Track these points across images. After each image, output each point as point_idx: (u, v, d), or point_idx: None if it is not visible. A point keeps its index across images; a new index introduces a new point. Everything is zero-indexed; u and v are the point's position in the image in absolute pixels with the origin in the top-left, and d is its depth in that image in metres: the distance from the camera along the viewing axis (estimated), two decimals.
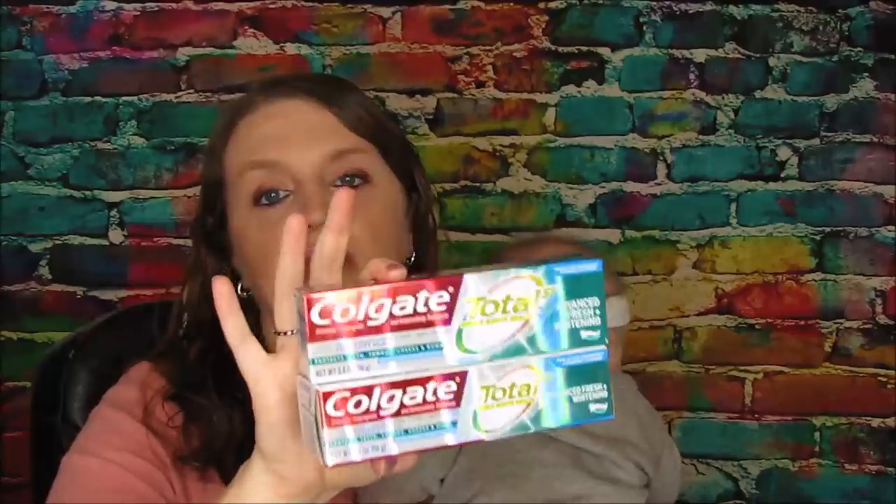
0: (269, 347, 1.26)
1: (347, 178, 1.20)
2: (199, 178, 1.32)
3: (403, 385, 0.82)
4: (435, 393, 0.82)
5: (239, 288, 1.26)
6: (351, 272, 1.17)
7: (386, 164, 1.24)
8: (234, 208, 1.24)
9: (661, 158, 2.31)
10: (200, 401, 1.21)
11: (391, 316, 0.82)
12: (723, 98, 2.30)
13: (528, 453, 1.15)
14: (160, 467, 1.19)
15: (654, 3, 2.29)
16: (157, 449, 1.20)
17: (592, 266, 0.87)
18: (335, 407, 0.81)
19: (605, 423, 1.16)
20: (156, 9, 2.27)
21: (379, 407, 0.82)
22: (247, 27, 2.28)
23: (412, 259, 1.29)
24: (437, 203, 1.37)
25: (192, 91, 2.27)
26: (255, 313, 1.26)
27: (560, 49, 2.30)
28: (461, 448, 1.16)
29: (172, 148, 2.28)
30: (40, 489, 1.40)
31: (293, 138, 1.20)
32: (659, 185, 2.31)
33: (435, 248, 1.32)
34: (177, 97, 2.28)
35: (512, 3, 2.29)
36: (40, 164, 2.27)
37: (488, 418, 0.83)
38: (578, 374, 0.85)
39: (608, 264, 1.26)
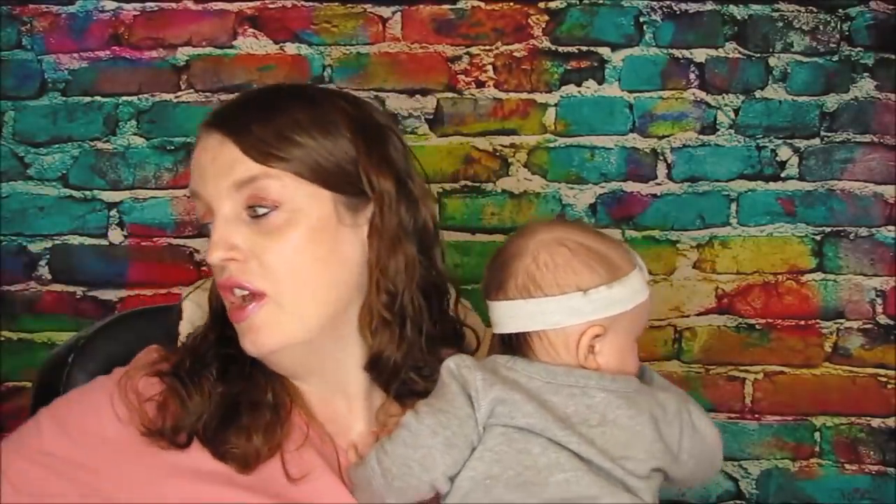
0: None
1: (256, 209, 1.24)
2: None
3: None
4: None
5: None
6: (267, 308, 1.23)
7: (312, 182, 1.25)
8: None
9: (661, 158, 2.31)
10: (184, 381, 1.26)
11: None
12: (723, 98, 2.30)
13: (546, 457, 1.14)
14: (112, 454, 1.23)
15: (654, 3, 2.29)
16: (127, 427, 1.24)
17: None
18: None
19: (614, 439, 1.15)
20: (155, 9, 2.27)
21: None
22: (246, 27, 2.28)
23: (377, 271, 1.28)
24: (434, 202, 1.36)
25: (191, 91, 2.28)
26: None
27: (560, 49, 2.30)
28: (472, 450, 1.16)
29: (172, 148, 2.28)
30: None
31: (206, 172, 1.26)
32: (659, 185, 2.31)
33: (392, 254, 1.30)
34: (176, 97, 2.28)
35: (512, 3, 2.29)
36: (40, 164, 2.27)
37: None
38: None
39: (608, 242, 1.25)
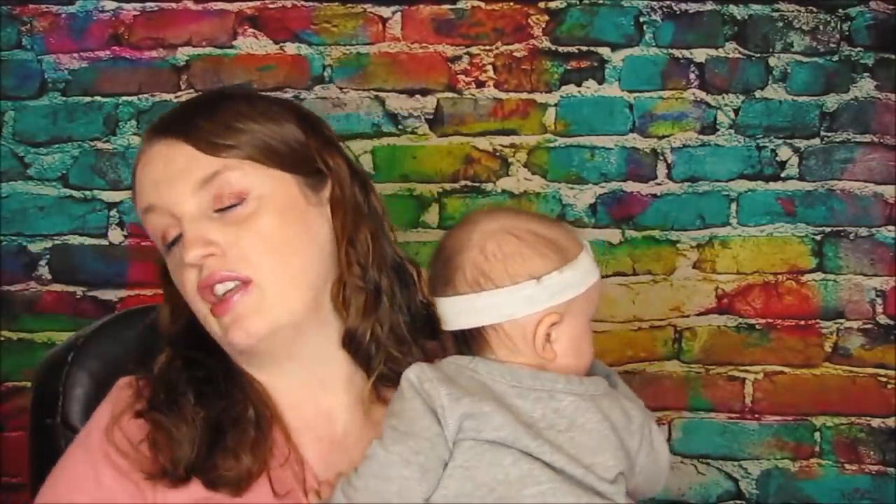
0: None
1: (224, 202, 1.23)
2: None
3: None
4: None
5: None
6: (254, 294, 1.22)
7: (265, 165, 1.25)
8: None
9: (661, 158, 2.31)
10: (160, 418, 1.23)
11: None
12: (723, 98, 2.30)
13: (518, 469, 1.11)
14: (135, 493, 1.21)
15: (654, 2, 2.29)
16: (130, 478, 1.22)
17: None
18: None
19: (582, 444, 1.12)
20: (155, 9, 2.27)
21: None
22: (247, 27, 2.28)
23: (345, 244, 1.28)
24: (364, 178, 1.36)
25: (191, 91, 2.27)
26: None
27: (560, 49, 2.30)
28: (444, 470, 1.12)
29: None
30: (37, 489, 1.40)
31: (161, 180, 1.25)
32: (659, 185, 2.31)
33: (357, 224, 1.30)
34: (176, 97, 2.28)
35: (512, 3, 2.29)
36: (40, 164, 2.27)
37: None
38: None
39: (553, 226, 1.20)
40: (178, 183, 1.24)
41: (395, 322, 1.30)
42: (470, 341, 1.18)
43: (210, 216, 1.23)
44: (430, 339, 1.33)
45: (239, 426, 1.23)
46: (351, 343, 1.28)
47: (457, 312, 1.18)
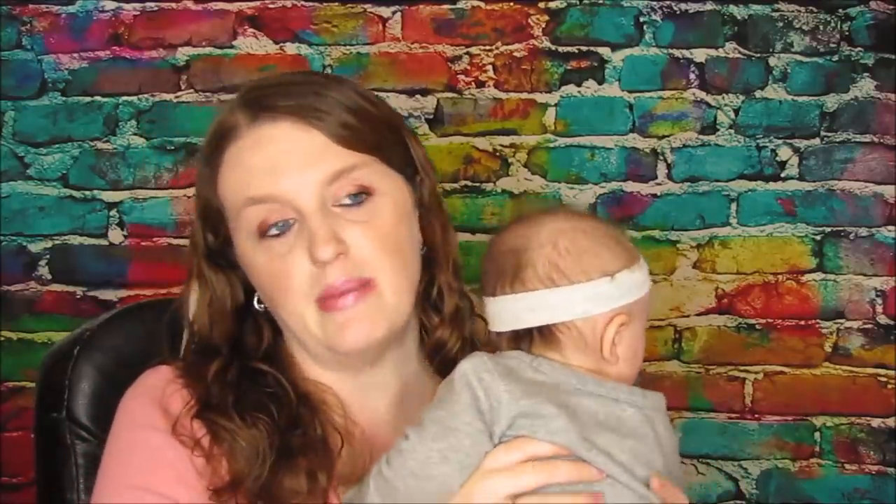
0: (287, 359, 1.26)
1: (351, 198, 1.17)
2: (197, 195, 1.28)
3: None
4: None
5: (255, 300, 1.25)
6: (373, 296, 1.16)
7: (386, 164, 1.21)
8: (239, 237, 1.21)
9: (662, 158, 2.31)
10: (225, 423, 1.17)
11: None
12: (723, 98, 2.31)
13: None
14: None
15: (654, 2, 2.29)
16: (193, 462, 1.18)
17: None
18: None
19: (642, 457, 1.09)
20: (155, 9, 2.27)
21: None
22: (247, 27, 2.28)
23: (441, 244, 1.26)
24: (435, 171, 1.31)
25: (191, 91, 2.28)
26: (275, 325, 1.25)
27: (560, 49, 2.30)
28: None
29: (172, 148, 2.28)
30: (43, 485, 1.40)
31: (284, 167, 1.16)
32: (659, 185, 2.31)
33: (446, 225, 1.28)
34: (176, 97, 2.28)
35: (512, 3, 2.29)
36: (40, 164, 2.27)
37: None
38: None
39: (615, 228, 1.19)
40: (308, 172, 1.16)
41: (473, 331, 1.27)
42: (528, 341, 1.14)
43: (331, 211, 1.17)
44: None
45: (309, 447, 1.18)
46: (437, 353, 1.26)
47: (524, 310, 1.12)
